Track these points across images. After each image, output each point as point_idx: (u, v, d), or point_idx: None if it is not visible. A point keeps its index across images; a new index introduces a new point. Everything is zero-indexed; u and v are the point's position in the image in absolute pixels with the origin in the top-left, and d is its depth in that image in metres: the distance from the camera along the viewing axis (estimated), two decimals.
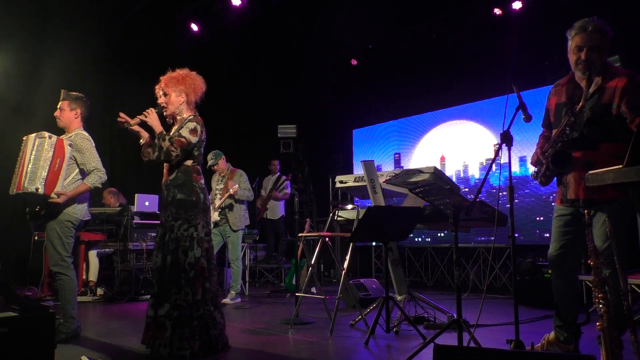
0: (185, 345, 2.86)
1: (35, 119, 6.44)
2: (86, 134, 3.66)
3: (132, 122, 3.12)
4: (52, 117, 3.74)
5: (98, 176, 3.55)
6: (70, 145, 3.50)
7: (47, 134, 3.42)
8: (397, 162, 8.39)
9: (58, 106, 3.69)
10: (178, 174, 3.12)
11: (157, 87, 3.22)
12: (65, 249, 3.47)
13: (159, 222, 3.34)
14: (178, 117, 3.23)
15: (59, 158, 3.41)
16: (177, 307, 2.91)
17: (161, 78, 3.21)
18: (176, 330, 2.88)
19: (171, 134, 3.13)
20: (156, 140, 3.09)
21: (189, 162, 3.14)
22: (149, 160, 3.18)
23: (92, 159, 3.56)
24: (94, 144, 3.64)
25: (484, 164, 7.25)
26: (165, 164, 3.21)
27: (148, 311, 3.01)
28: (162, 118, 3.21)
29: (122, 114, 3.14)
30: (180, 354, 2.84)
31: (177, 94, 3.17)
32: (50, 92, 6.23)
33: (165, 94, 3.18)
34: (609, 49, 2.63)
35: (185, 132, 3.07)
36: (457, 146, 7.56)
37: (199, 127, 3.12)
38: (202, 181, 3.18)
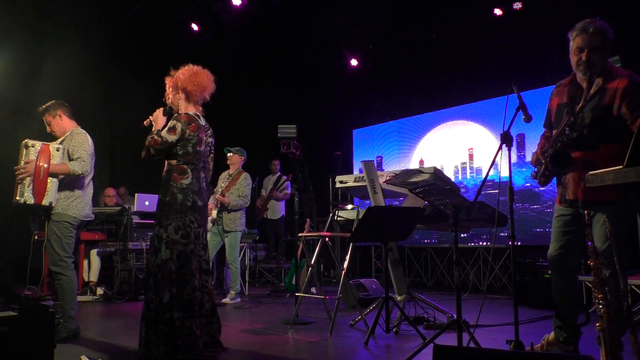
0: (153, 347, 2.81)
1: (35, 119, 6.40)
2: (82, 130, 3.64)
3: (145, 122, 3.21)
4: None
5: (80, 164, 3.47)
6: (57, 149, 3.47)
7: (31, 142, 3.39)
8: (379, 166, 8.39)
9: (46, 124, 3.67)
10: (164, 173, 3.10)
11: None
12: (63, 249, 3.46)
13: None
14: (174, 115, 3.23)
15: (44, 165, 3.36)
16: (147, 309, 2.89)
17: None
18: (147, 331, 2.85)
19: None
20: None
21: (173, 162, 3.08)
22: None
23: (80, 149, 3.51)
24: (89, 140, 3.61)
25: (459, 167, 7.30)
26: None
27: None
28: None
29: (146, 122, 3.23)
30: (151, 355, 2.80)
31: (175, 92, 3.18)
32: (50, 92, 6.23)
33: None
34: (610, 50, 2.63)
35: (163, 131, 3.03)
36: (452, 148, 7.56)
37: (179, 125, 3.00)
38: (186, 181, 2.99)
